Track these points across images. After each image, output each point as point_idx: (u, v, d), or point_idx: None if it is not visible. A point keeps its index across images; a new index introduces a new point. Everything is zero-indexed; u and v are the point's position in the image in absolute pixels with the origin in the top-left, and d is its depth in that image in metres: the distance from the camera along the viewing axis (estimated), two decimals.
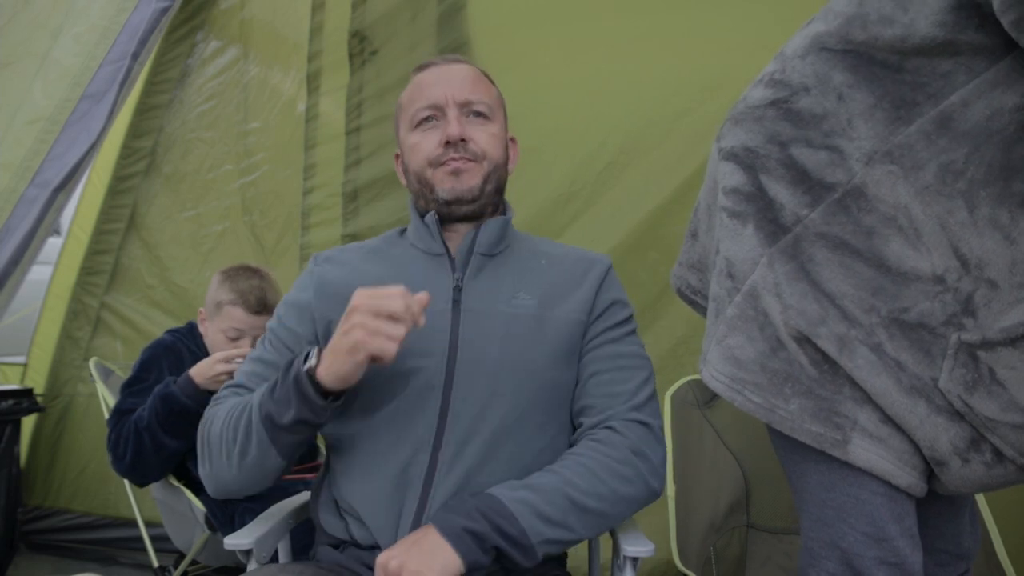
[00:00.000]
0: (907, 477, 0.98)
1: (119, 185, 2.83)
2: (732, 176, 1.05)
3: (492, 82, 1.24)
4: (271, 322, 1.21)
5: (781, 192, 1.00)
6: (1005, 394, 0.92)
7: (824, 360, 0.98)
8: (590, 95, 2.26)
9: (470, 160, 1.14)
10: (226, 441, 1.06)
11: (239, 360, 1.74)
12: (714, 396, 1.82)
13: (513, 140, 1.26)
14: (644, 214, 2.19)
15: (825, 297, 0.97)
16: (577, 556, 1.26)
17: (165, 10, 1.42)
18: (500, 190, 1.21)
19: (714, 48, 2.15)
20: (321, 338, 1.15)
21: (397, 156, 1.26)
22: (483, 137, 1.16)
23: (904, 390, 0.95)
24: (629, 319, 1.21)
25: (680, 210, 2.15)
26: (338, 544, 1.15)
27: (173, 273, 2.77)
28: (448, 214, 1.17)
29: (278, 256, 2.63)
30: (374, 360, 0.98)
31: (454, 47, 2.42)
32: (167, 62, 2.81)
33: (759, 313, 1.01)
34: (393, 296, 0.97)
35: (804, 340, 0.98)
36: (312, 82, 2.59)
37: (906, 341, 0.95)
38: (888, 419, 0.98)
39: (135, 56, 1.39)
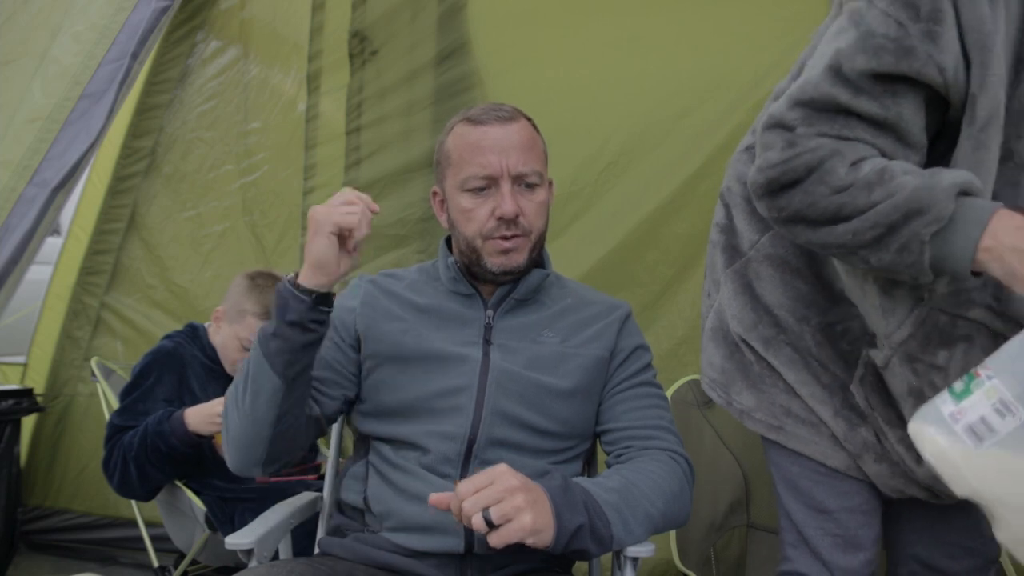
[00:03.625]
0: (841, 459, 1.12)
1: (119, 185, 2.83)
2: (717, 212, 1.25)
3: (538, 131, 1.25)
4: None
5: (742, 223, 1.18)
6: (894, 406, 1.07)
7: (762, 359, 1.16)
8: (590, 96, 2.26)
9: (519, 236, 1.18)
10: (237, 385, 1.10)
11: None
12: None
13: (550, 183, 1.29)
14: (644, 214, 2.19)
15: (762, 308, 1.15)
16: None
17: (165, 10, 1.42)
18: (541, 249, 1.26)
19: (714, 49, 2.15)
20: (360, 346, 1.22)
21: (435, 194, 1.27)
22: (532, 209, 1.19)
23: (822, 385, 1.12)
24: (651, 363, 1.30)
25: (680, 210, 2.15)
26: (347, 524, 1.18)
27: (173, 273, 2.77)
28: (492, 280, 1.22)
29: (279, 256, 2.62)
30: (343, 239, 1.05)
31: (454, 47, 2.42)
32: (167, 62, 2.80)
33: (722, 323, 1.21)
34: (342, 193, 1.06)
35: (744, 342, 1.17)
36: (312, 82, 2.59)
37: (830, 348, 1.11)
38: None
39: (134, 56, 1.39)
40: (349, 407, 1.25)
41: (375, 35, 2.52)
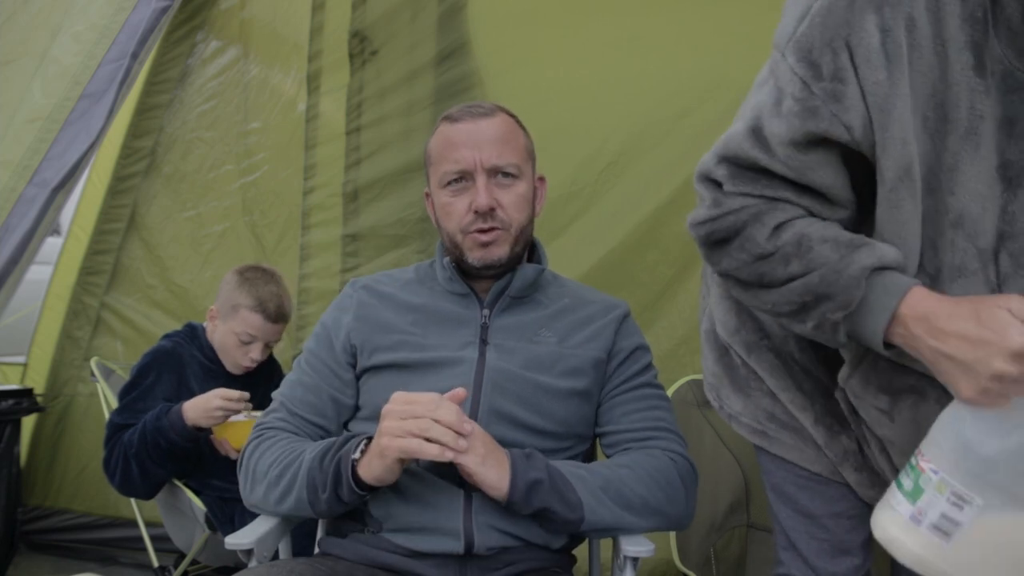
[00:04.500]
0: (826, 464, 1.10)
1: (119, 185, 2.83)
2: None
3: (522, 127, 1.25)
4: (309, 343, 1.27)
5: None
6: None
7: (746, 363, 1.14)
8: (590, 95, 2.26)
9: (498, 229, 1.18)
10: (271, 481, 1.12)
11: (238, 407, 1.75)
12: None
13: (542, 179, 1.29)
14: (644, 214, 2.19)
15: (746, 312, 1.13)
16: (576, 555, 1.26)
17: (164, 10, 1.42)
18: (528, 243, 1.26)
19: (714, 48, 2.15)
20: (356, 360, 1.23)
21: (427, 194, 1.29)
22: (511, 201, 1.19)
23: (803, 391, 1.10)
24: (651, 363, 1.30)
25: (680, 210, 2.14)
26: (347, 525, 1.18)
27: (173, 273, 2.77)
28: (477, 275, 1.23)
29: (279, 256, 2.62)
30: (405, 461, 1.03)
31: (454, 47, 2.42)
32: (167, 62, 2.80)
33: (712, 326, 1.19)
34: (424, 401, 1.00)
35: (728, 346, 1.16)
36: (312, 82, 2.59)
37: (813, 353, 1.09)
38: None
39: (134, 56, 1.39)
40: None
41: (375, 35, 2.51)
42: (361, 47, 2.52)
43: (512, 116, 1.24)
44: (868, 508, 1.11)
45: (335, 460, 1.06)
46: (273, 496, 1.12)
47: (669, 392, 1.73)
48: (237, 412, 1.74)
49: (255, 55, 2.76)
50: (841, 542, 1.11)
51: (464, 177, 1.18)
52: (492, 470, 1.04)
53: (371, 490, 1.06)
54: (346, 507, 1.09)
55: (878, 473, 1.08)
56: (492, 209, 1.16)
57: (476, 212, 1.16)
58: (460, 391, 1.03)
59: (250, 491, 1.16)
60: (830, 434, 1.09)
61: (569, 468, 1.11)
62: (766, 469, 1.18)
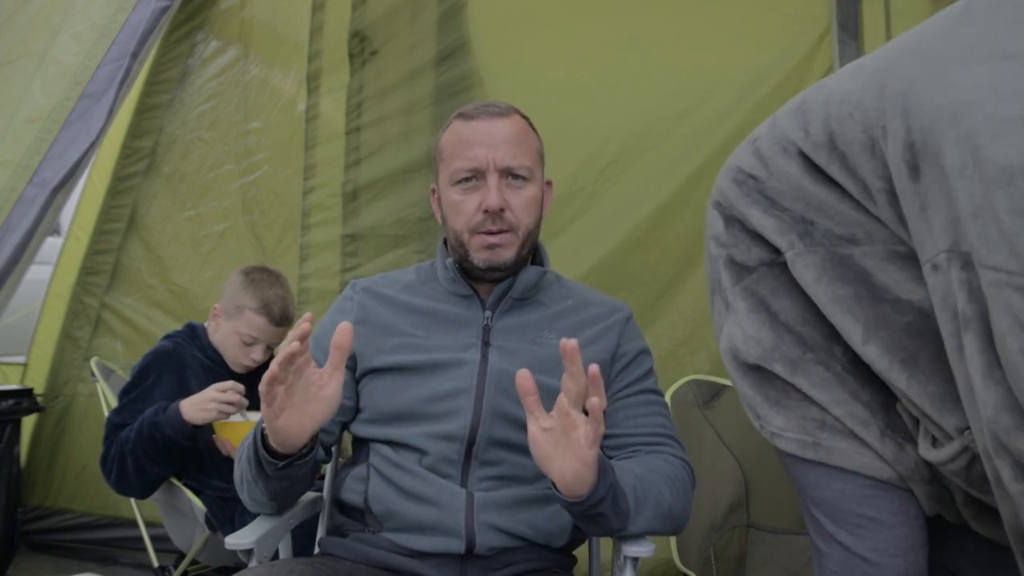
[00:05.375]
0: (891, 470, 1.00)
1: (119, 185, 2.83)
2: (713, 224, 1.15)
3: (534, 130, 1.24)
4: (313, 348, 1.23)
5: (744, 236, 1.09)
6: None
7: (778, 377, 1.05)
8: (590, 95, 2.26)
9: (506, 231, 1.17)
10: (237, 474, 1.13)
11: (231, 399, 1.74)
12: (714, 396, 1.82)
13: (549, 183, 1.28)
14: (645, 214, 2.19)
15: (781, 325, 1.04)
16: (576, 555, 1.26)
17: (164, 10, 1.42)
18: (533, 246, 1.25)
19: (714, 49, 2.15)
20: (356, 363, 1.21)
21: (433, 191, 1.27)
22: (520, 204, 1.18)
23: (862, 403, 1.00)
24: (652, 367, 1.28)
25: (680, 210, 2.15)
26: (348, 524, 1.18)
27: (173, 273, 2.77)
28: (481, 276, 1.21)
29: (279, 256, 2.62)
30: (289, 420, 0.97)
31: (454, 47, 2.42)
32: (167, 62, 2.81)
33: (731, 345, 1.11)
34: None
35: (758, 366, 1.07)
36: (312, 82, 2.59)
37: (867, 369, 0.99)
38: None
39: (134, 55, 1.39)
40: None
41: (375, 35, 2.52)
42: (361, 47, 2.53)
43: (525, 118, 1.24)
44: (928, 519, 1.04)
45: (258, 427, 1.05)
46: (245, 487, 1.11)
47: (669, 392, 1.73)
48: (231, 403, 1.73)
49: (255, 55, 2.76)
50: (907, 550, 1.01)
51: (476, 176, 1.17)
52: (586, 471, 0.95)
53: (284, 459, 1.02)
54: (268, 480, 1.06)
55: (949, 489, 0.99)
56: (502, 210, 1.15)
57: (486, 212, 1.15)
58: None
59: (239, 489, 1.15)
60: (898, 447, 0.99)
61: (623, 475, 1.05)
62: (816, 485, 1.04)
